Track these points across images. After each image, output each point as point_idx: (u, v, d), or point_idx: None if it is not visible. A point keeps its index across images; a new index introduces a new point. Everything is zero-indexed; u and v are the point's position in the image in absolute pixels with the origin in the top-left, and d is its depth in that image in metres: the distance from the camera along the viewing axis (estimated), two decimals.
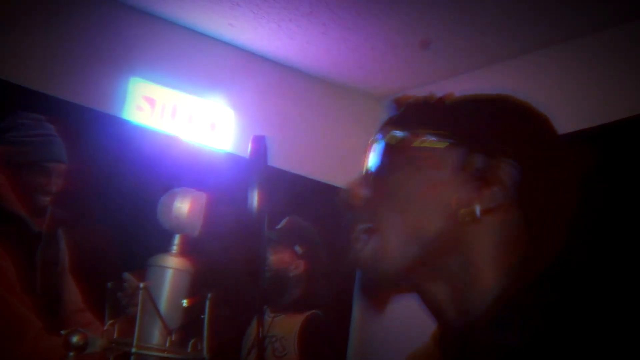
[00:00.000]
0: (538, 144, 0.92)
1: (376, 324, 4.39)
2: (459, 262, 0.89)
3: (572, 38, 3.56)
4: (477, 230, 0.89)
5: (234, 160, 4.04)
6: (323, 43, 4.06)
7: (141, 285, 1.02)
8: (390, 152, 0.95)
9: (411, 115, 0.96)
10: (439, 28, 3.70)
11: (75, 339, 0.98)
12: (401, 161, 0.93)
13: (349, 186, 0.98)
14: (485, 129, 0.92)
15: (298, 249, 3.03)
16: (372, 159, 0.97)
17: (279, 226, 3.12)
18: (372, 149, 0.98)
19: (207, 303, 1.05)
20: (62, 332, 0.99)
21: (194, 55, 4.18)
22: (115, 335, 1.04)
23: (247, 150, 1.13)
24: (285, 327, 2.94)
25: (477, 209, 0.88)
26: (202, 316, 1.05)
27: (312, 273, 3.04)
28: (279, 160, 4.05)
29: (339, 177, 4.56)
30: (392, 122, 0.97)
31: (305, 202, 3.91)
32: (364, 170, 0.99)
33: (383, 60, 4.21)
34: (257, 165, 1.11)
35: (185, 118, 4.11)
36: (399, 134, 0.94)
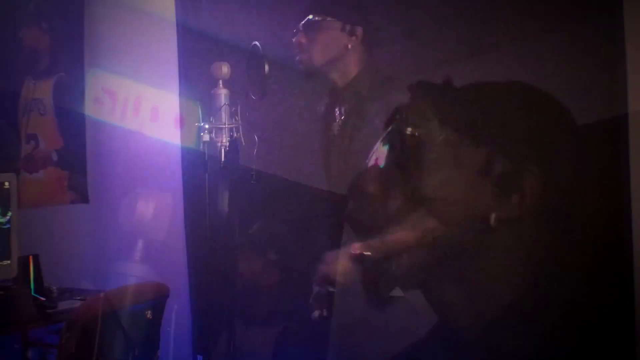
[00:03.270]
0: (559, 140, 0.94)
1: (358, 337, 4.39)
2: (473, 268, 0.92)
3: (566, 28, 3.59)
4: (495, 237, 0.90)
5: (203, 159, 4.02)
6: None
7: (101, 294, 1.03)
8: (406, 146, 0.95)
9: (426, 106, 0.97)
10: (426, 16, 3.72)
11: None
12: (418, 156, 0.94)
13: (360, 178, 0.98)
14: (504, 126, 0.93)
15: (271, 255, 3.03)
16: (386, 154, 0.98)
17: (251, 231, 3.12)
18: (386, 142, 0.99)
19: (173, 315, 1.06)
20: None
21: (159, 44, 4.15)
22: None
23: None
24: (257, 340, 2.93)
25: (492, 218, 0.89)
26: (168, 329, 1.05)
27: (286, 282, 3.04)
28: (252, 158, 4.03)
29: (315, 176, 4.56)
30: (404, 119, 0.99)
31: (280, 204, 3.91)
32: (373, 162, 0.99)
33: None
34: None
35: (149, 113, 4.09)
36: (414, 129, 0.95)
